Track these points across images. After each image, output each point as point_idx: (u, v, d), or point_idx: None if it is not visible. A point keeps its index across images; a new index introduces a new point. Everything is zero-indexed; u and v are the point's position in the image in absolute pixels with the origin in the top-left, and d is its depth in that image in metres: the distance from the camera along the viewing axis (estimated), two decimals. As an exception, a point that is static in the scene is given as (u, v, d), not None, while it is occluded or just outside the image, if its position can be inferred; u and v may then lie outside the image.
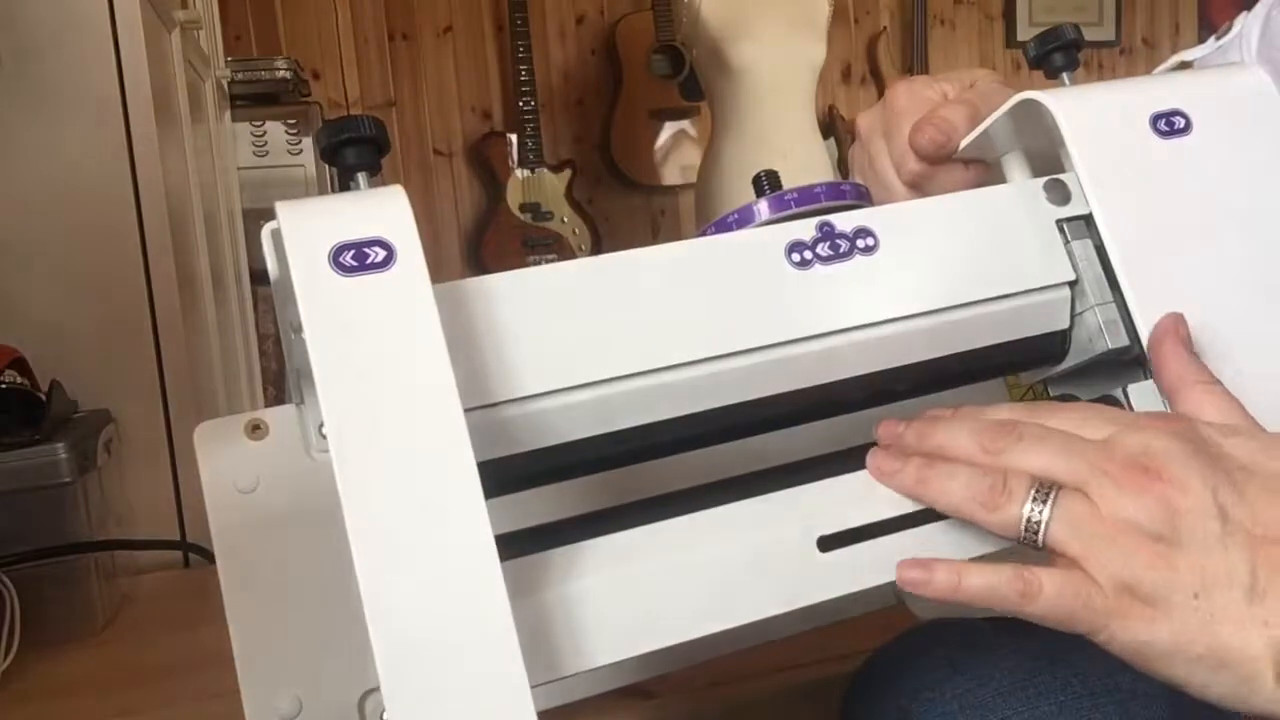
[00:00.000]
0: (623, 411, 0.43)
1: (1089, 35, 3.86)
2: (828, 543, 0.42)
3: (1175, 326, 0.44)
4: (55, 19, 1.03)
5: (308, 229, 0.38)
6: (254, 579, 0.54)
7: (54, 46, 1.03)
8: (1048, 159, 0.51)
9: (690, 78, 3.04)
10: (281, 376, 2.24)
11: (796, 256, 0.45)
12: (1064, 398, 0.50)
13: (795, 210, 0.48)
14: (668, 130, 3.30)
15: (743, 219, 0.50)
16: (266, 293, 2.33)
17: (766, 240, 0.46)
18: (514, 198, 3.13)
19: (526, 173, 3.13)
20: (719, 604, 0.40)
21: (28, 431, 0.87)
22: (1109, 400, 0.48)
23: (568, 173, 3.18)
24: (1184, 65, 0.73)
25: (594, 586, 0.40)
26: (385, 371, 0.37)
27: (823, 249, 0.45)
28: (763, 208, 0.49)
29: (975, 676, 0.55)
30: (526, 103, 3.10)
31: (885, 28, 3.64)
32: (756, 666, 0.67)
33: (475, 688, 0.34)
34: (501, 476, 0.37)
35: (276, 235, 0.39)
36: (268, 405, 2.13)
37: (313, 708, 0.53)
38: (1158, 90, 0.49)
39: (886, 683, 0.58)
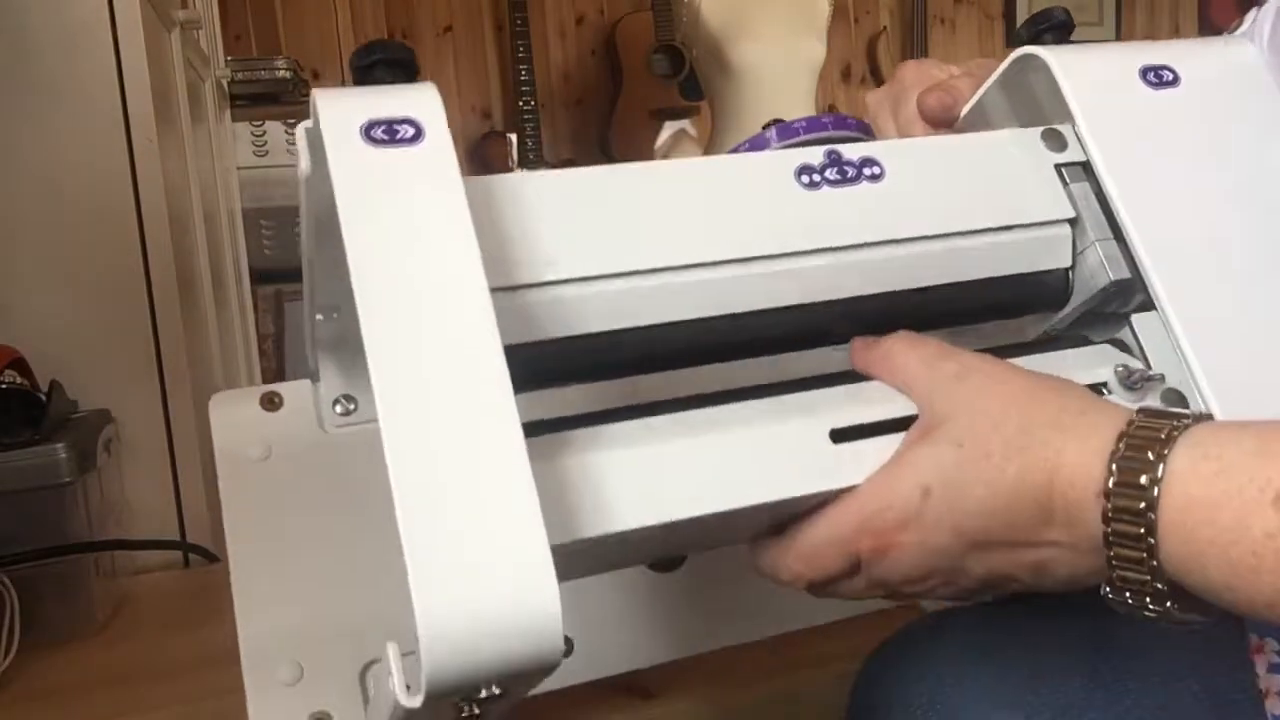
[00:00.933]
0: (638, 307, 0.44)
1: (1089, 35, 3.86)
2: (840, 436, 0.43)
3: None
4: (55, 19, 1.03)
5: (343, 106, 0.39)
6: (261, 547, 0.54)
7: (54, 46, 1.03)
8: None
9: (690, 77, 3.04)
10: (280, 377, 2.24)
11: (805, 179, 0.47)
12: (1075, 339, 0.51)
13: (804, 137, 0.50)
14: (668, 130, 3.30)
15: (754, 145, 0.51)
16: (266, 293, 2.33)
17: (776, 162, 0.47)
18: (514, 197, 3.13)
19: (526, 172, 3.13)
20: (735, 482, 0.41)
21: (28, 431, 0.87)
22: (1117, 344, 0.49)
23: (568, 172, 3.18)
24: None
25: (615, 457, 0.41)
26: (412, 239, 0.38)
27: (831, 174, 0.47)
28: (772, 134, 0.51)
29: (999, 664, 0.53)
30: (526, 102, 3.10)
31: (885, 27, 3.64)
32: (756, 667, 0.67)
33: (496, 544, 0.34)
34: (523, 369, 0.38)
35: (312, 130, 0.40)
36: (268, 405, 2.14)
37: (314, 676, 0.53)
38: (1147, 49, 0.52)
39: (903, 672, 0.56)
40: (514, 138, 3.14)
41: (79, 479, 0.86)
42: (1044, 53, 0.50)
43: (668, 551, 0.57)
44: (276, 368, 2.24)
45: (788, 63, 2.64)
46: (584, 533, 0.39)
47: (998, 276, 0.49)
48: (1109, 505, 0.38)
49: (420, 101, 0.40)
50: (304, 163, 0.41)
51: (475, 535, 0.34)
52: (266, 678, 0.53)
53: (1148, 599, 0.39)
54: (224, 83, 1.98)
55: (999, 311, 0.52)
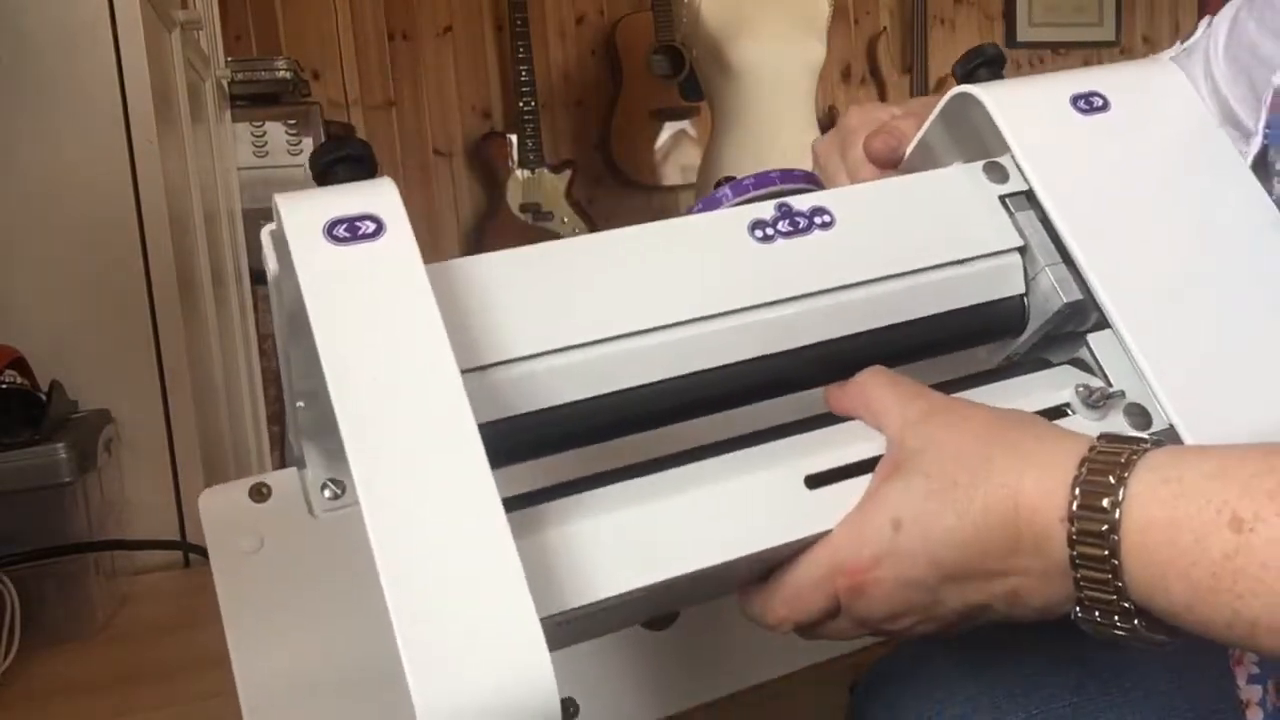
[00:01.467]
0: (606, 374, 0.45)
1: (1089, 36, 3.87)
2: (815, 481, 0.44)
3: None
4: (55, 19, 1.03)
5: (304, 208, 0.41)
6: (258, 638, 0.54)
7: (54, 46, 1.03)
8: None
9: (690, 78, 3.04)
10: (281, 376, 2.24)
11: (759, 233, 0.48)
12: (1036, 363, 0.53)
13: (755, 192, 0.52)
14: (668, 130, 3.30)
15: (708, 205, 0.53)
16: (266, 293, 2.33)
17: (730, 219, 0.49)
18: (514, 198, 3.13)
19: (526, 173, 3.13)
20: (714, 538, 0.42)
21: (28, 431, 0.87)
22: (1077, 363, 0.50)
23: (568, 173, 3.18)
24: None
25: (594, 525, 0.42)
26: (381, 330, 0.39)
27: (783, 225, 0.49)
28: (726, 193, 0.53)
29: (988, 680, 0.55)
30: (526, 103, 3.10)
31: (885, 28, 3.64)
32: (760, 687, 0.67)
33: (486, 623, 0.35)
34: (499, 445, 0.39)
35: (276, 233, 0.41)
36: (268, 405, 2.13)
37: None
38: (1075, 77, 0.53)
39: (898, 690, 0.58)
40: (514, 138, 3.14)
41: (79, 479, 0.86)
42: (977, 90, 0.52)
43: (659, 609, 0.58)
44: (277, 369, 2.24)
45: (788, 63, 2.63)
46: (571, 603, 0.39)
47: (955, 309, 0.50)
48: (1073, 529, 0.39)
49: (379, 197, 0.42)
50: (271, 264, 0.43)
51: (466, 617, 0.35)
52: None
53: (1116, 618, 0.39)
54: (224, 83, 1.98)
55: (961, 342, 0.53)
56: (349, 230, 0.40)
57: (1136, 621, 0.39)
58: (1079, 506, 0.39)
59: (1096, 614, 0.40)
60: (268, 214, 0.43)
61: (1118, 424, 0.48)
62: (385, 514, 0.36)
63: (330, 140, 0.43)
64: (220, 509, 0.55)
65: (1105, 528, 0.38)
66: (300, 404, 0.50)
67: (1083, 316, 0.50)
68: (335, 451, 0.53)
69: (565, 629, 0.42)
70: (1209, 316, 0.48)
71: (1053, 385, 0.49)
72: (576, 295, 0.45)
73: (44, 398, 0.92)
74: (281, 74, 2.30)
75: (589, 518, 0.42)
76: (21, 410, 0.89)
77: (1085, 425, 0.47)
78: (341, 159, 0.43)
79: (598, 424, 0.46)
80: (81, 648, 0.84)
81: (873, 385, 0.47)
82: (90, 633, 0.86)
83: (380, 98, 3.16)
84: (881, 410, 0.46)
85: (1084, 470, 0.39)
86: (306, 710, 0.54)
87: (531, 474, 0.45)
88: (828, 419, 0.48)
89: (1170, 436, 0.47)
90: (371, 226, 0.41)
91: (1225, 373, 0.47)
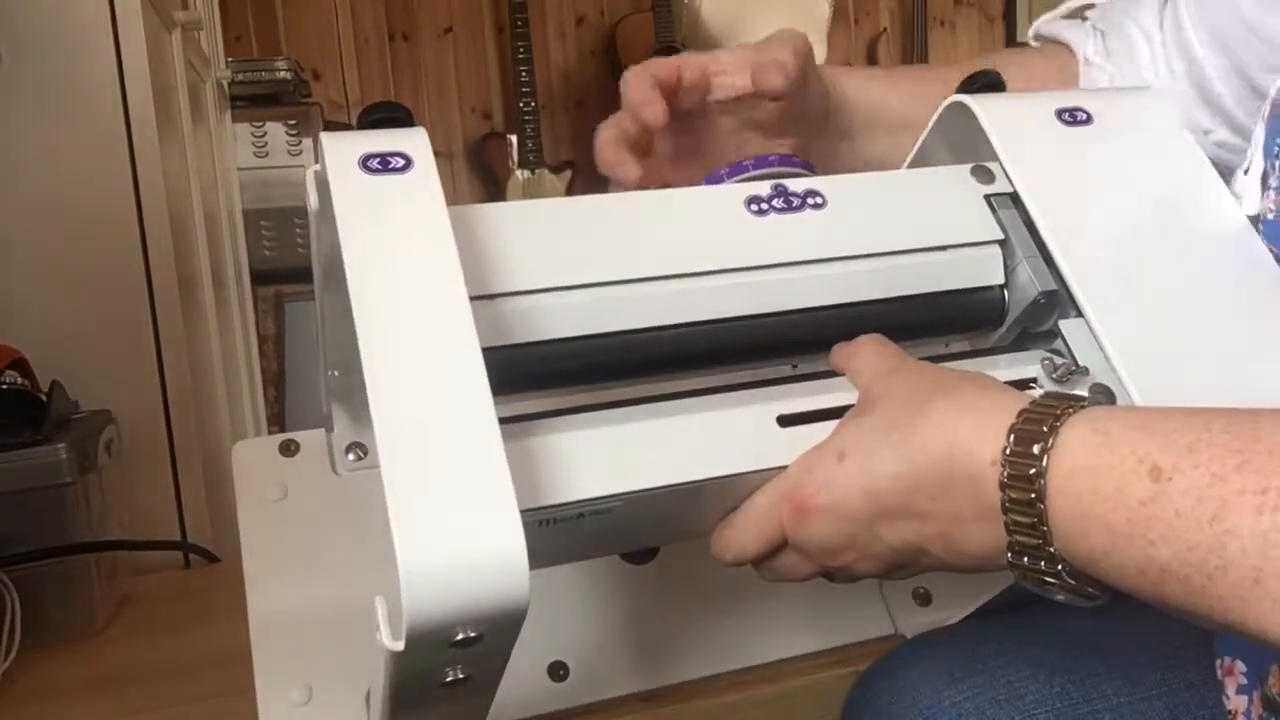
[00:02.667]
0: (602, 314, 0.49)
1: (1089, 36, 3.87)
2: (787, 421, 0.48)
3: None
4: (55, 19, 1.03)
5: (343, 143, 0.46)
6: (275, 578, 0.59)
7: (54, 46, 1.03)
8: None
9: (690, 78, 3.03)
10: (281, 377, 2.24)
11: (755, 207, 0.52)
12: (1013, 348, 0.56)
13: (753, 173, 0.57)
14: (668, 131, 3.30)
15: (709, 184, 0.57)
16: (266, 293, 2.33)
17: (728, 193, 0.53)
18: (514, 198, 3.13)
19: (526, 173, 3.13)
20: (685, 460, 0.46)
21: (28, 432, 0.87)
22: (1054, 352, 0.53)
23: (568, 173, 3.18)
24: (1088, 7, 0.75)
25: (576, 437, 0.46)
26: (401, 250, 0.43)
27: (777, 203, 0.53)
28: (725, 173, 0.58)
29: (972, 686, 0.56)
30: (527, 103, 3.10)
31: (885, 29, 3.64)
32: (756, 669, 0.67)
33: (469, 501, 0.38)
34: (497, 374, 0.42)
35: (319, 172, 0.46)
36: (268, 406, 2.14)
37: (322, 698, 0.57)
38: (1063, 95, 0.58)
39: (886, 697, 0.59)
40: (514, 139, 3.14)
41: (80, 479, 0.86)
42: (970, 101, 0.56)
43: (636, 539, 0.60)
44: (277, 369, 2.24)
45: (788, 63, 2.63)
46: (548, 500, 0.43)
47: (940, 292, 0.54)
48: (1004, 473, 0.40)
49: (410, 139, 0.47)
50: (313, 201, 0.47)
51: (452, 496, 0.38)
52: (279, 698, 0.57)
53: (1042, 563, 0.41)
54: (224, 83, 1.98)
55: (943, 326, 0.57)
56: (381, 163, 0.45)
57: (1060, 567, 0.40)
58: (1010, 452, 0.40)
59: (1025, 559, 0.41)
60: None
61: None
62: (390, 407, 0.40)
63: (375, 103, 0.49)
64: (251, 458, 0.60)
65: (1033, 471, 0.40)
66: (334, 373, 0.55)
67: (1059, 309, 0.53)
68: (362, 417, 0.58)
69: (546, 534, 0.45)
70: (1174, 307, 0.52)
71: (1021, 361, 0.53)
72: (580, 243, 0.49)
73: (44, 398, 0.92)
74: (282, 74, 2.31)
75: (572, 430, 0.46)
76: (22, 411, 0.89)
77: None
78: (384, 119, 0.48)
79: (590, 363, 0.50)
80: (82, 648, 0.84)
81: (864, 345, 0.50)
82: (90, 633, 0.86)
83: (380, 98, 3.14)
84: (860, 367, 0.49)
85: (1020, 420, 0.41)
86: (308, 639, 0.58)
87: (526, 409, 0.48)
88: (810, 376, 0.51)
89: None
90: (401, 162, 0.46)
91: (1187, 358, 0.50)
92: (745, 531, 0.48)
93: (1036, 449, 0.40)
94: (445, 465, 0.39)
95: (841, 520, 0.45)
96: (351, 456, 0.59)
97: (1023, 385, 0.51)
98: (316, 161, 0.47)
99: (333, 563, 0.59)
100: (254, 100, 2.27)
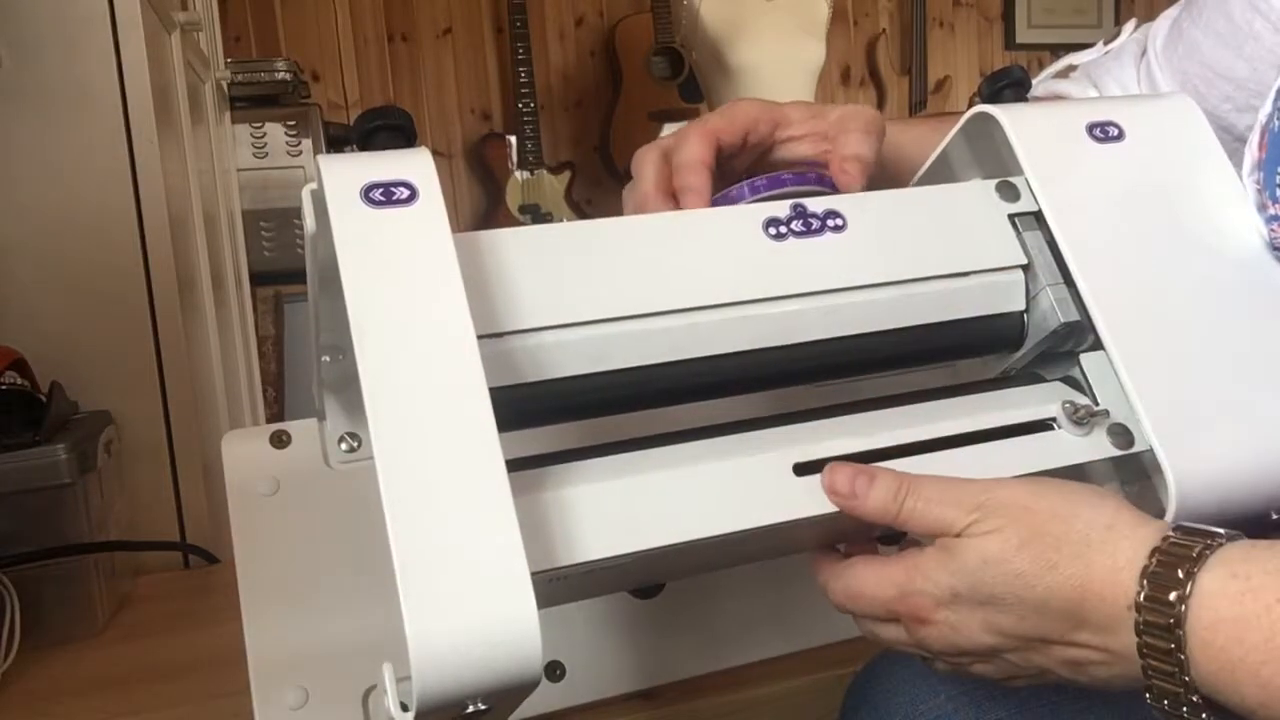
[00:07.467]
0: (614, 351, 0.47)
1: (1088, 37, 3.86)
2: (802, 469, 0.46)
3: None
4: (55, 19, 1.03)
5: (344, 171, 0.43)
6: (268, 577, 0.57)
7: (54, 46, 1.03)
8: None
9: (690, 79, 3.04)
10: (280, 378, 2.24)
11: (773, 230, 0.50)
12: (1029, 377, 0.54)
13: (770, 192, 0.53)
14: (667, 132, 3.30)
15: (726, 200, 0.55)
16: (266, 294, 2.33)
17: (746, 215, 0.50)
18: (513, 199, 3.13)
19: (526, 174, 3.13)
20: (700, 514, 0.44)
21: (28, 433, 0.87)
22: (1069, 381, 0.52)
23: (567, 174, 3.18)
24: (1070, 69, 0.75)
25: (588, 491, 0.44)
26: (406, 291, 0.41)
27: (796, 225, 0.50)
28: (743, 191, 0.55)
29: (967, 682, 0.56)
30: (526, 104, 3.10)
31: (884, 30, 3.64)
32: (755, 670, 0.67)
33: (481, 571, 0.37)
34: (507, 410, 0.40)
35: (316, 193, 0.43)
36: (267, 406, 2.13)
37: (318, 700, 0.56)
38: (1094, 106, 0.55)
39: (882, 695, 0.59)
40: (513, 140, 3.14)
41: (79, 480, 0.86)
42: (997, 111, 0.53)
43: (648, 578, 0.60)
44: (276, 370, 2.24)
45: (787, 65, 2.64)
46: (561, 561, 0.41)
47: (956, 320, 0.52)
48: (1140, 619, 0.39)
49: (415, 165, 0.44)
50: (309, 222, 0.45)
51: (462, 564, 0.37)
52: (274, 702, 0.56)
53: (1184, 710, 0.39)
54: (224, 84, 1.98)
55: (960, 352, 0.55)
56: (384, 195, 0.43)
57: (1204, 716, 0.39)
58: (1146, 597, 0.39)
59: (1165, 703, 0.40)
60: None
61: (1101, 442, 0.49)
62: (396, 464, 0.38)
63: (373, 109, 0.46)
64: (241, 451, 0.58)
65: (1171, 621, 0.38)
66: (325, 358, 0.53)
67: (1079, 337, 0.52)
68: (355, 405, 0.56)
69: (556, 585, 0.44)
70: (1200, 346, 0.50)
71: (1041, 399, 0.51)
72: (591, 274, 0.47)
73: (44, 399, 0.92)
74: (281, 75, 2.30)
75: (584, 484, 0.44)
76: (22, 411, 0.89)
77: (1069, 440, 0.49)
78: (383, 127, 0.45)
79: (601, 399, 0.48)
80: (82, 648, 0.84)
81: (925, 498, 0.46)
82: (90, 633, 0.86)
83: (380, 99, 3.15)
84: (940, 515, 0.45)
85: (1154, 561, 0.39)
86: (303, 641, 0.56)
87: (536, 442, 0.47)
88: (821, 413, 0.50)
89: (1150, 459, 0.48)
90: (406, 193, 0.43)
91: (1211, 401, 0.49)
92: (855, 600, 0.47)
93: (1173, 596, 0.38)
94: (455, 530, 0.37)
95: (960, 639, 0.44)
96: (344, 447, 0.57)
97: (1041, 426, 0.50)
98: (314, 159, 0.45)
99: (326, 558, 0.57)
100: (253, 101, 2.27)
